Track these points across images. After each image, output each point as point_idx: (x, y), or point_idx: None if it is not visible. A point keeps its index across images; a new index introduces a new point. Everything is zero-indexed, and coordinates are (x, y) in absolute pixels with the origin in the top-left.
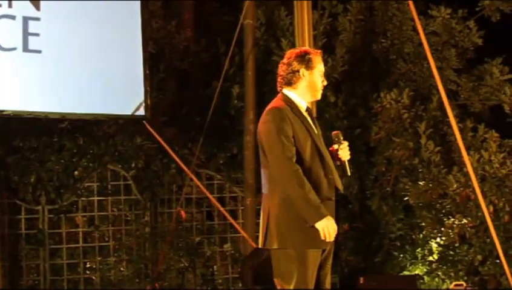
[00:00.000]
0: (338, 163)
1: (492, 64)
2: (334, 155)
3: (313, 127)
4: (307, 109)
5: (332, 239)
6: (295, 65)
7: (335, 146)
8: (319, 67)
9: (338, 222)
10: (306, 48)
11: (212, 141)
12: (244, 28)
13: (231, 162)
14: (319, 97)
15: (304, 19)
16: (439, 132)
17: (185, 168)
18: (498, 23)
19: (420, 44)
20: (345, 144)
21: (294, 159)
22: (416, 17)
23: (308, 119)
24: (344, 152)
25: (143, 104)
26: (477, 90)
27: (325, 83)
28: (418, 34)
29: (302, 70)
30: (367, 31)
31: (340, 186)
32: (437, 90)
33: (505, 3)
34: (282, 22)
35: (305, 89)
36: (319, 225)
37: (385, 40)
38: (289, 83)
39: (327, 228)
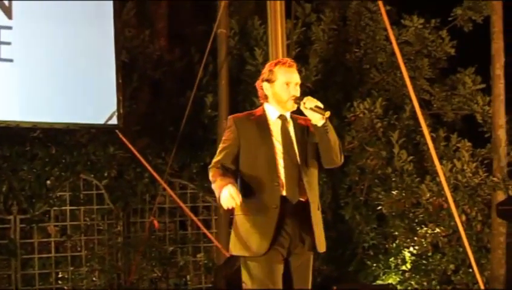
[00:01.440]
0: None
1: (465, 74)
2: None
3: (282, 134)
4: (281, 117)
5: (232, 203)
6: (260, 81)
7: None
8: (283, 79)
9: (310, 228)
10: (277, 59)
11: (186, 150)
12: (217, 37)
13: (204, 172)
14: (289, 107)
15: (277, 28)
16: (412, 141)
17: (158, 178)
18: (471, 33)
19: (393, 53)
20: (307, 102)
21: (219, 165)
22: (389, 27)
23: (275, 128)
24: (312, 115)
25: (116, 114)
26: (450, 99)
27: (295, 92)
28: (391, 43)
29: (265, 85)
30: (340, 41)
31: (293, 196)
32: (410, 100)
33: (477, 13)
34: (256, 31)
35: (273, 101)
36: (221, 201)
37: (358, 50)
38: (263, 98)
39: (226, 199)
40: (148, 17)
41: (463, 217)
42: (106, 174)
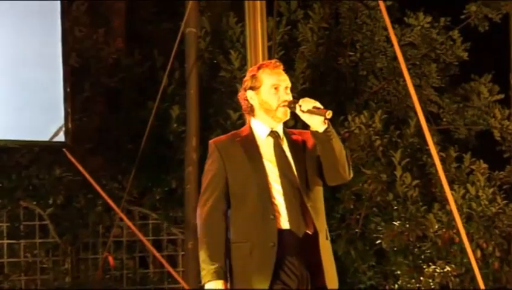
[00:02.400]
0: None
1: (480, 82)
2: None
3: (276, 154)
4: (272, 134)
5: None
6: (242, 91)
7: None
8: (269, 82)
9: (319, 264)
10: (260, 62)
11: (147, 172)
12: (185, 37)
13: (169, 198)
14: (281, 116)
15: (257, 27)
16: (417, 162)
17: (114, 206)
18: (487, 34)
19: (395, 58)
20: (301, 104)
21: (209, 204)
22: (390, 26)
23: (266, 148)
24: (311, 120)
25: (64, 129)
26: (462, 112)
27: (286, 97)
28: (392, 45)
29: (249, 94)
30: (332, 42)
31: (298, 228)
32: (415, 113)
33: (494, 10)
34: (231, 30)
35: (261, 113)
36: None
37: (353, 53)
38: (249, 113)
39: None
40: (102, 14)
41: (478, 253)
42: (51, 202)
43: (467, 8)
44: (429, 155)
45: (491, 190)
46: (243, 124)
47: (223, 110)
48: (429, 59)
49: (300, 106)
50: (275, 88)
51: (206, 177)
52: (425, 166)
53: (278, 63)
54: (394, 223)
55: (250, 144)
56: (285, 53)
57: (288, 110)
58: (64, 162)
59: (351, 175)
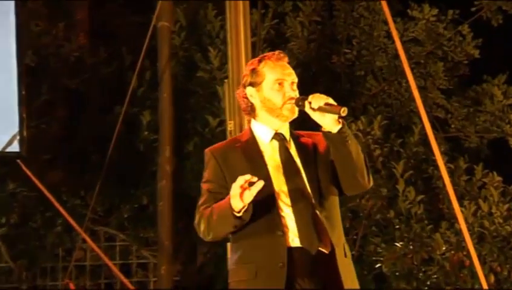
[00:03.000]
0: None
1: (493, 83)
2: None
3: (282, 160)
4: (277, 136)
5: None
6: (241, 88)
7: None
8: (273, 76)
9: (339, 285)
10: (261, 55)
11: (114, 187)
12: (157, 32)
13: (140, 217)
14: (287, 115)
15: (239, 20)
16: (422, 174)
17: (76, 225)
18: (501, 29)
19: (397, 56)
20: (310, 100)
21: (206, 205)
22: (391, 20)
23: (271, 153)
24: (323, 119)
25: (18, 137)
26: (473, 118)
27: (293, 93)
28: (393, 42)
29: (250, 91)
30: (325, 38)
31: (311, 245)
32: (420, 119)
33: (510, 1)
34: (210, 24)
35: (264, 113)
36: (234, 206)
37: (349, 51)
38: (249, 113)
39: (236, 197)
40: (63, 6)
41: (492, 278)
42: (3, 221)
43: (478, 0)
44: (436, 167)
45: (506, 206)
46: (223, 132)
47: (201, 116)
48: (435, 57)
49: (310, 102)
50: (279, 83)
51: (203, 190)
52: (431, 179)
53: (282, 55)
54: (396, 244)
55: (252, 150)
56: (271, 50)
57: (296, 108)
58: (19, 175)
59: (372, 182)
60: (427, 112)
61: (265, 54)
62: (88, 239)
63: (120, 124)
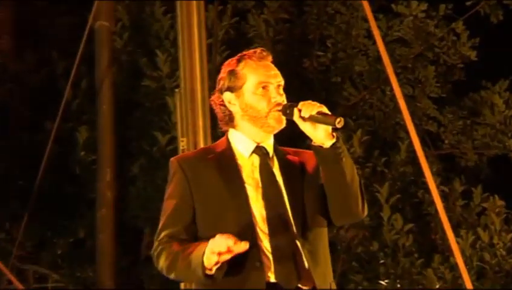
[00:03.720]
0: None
1: (494, 90)
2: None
3: (263, 179)
4: (258, 150)
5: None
6: (217, 93)
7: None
8: (255, 78)
9: None
10: (240, 53)
11: (45, 218)
12: (95, 34)
13: (76, 253)
14: (274, 125)
15: (192, 18)
16: (411, 199)
17: (0, 264)
18: (501, 27)
19: (379, 59)
20: (299, 108)
21: (167, 235)
22: (371, 17)
23: (250, 170)
24: (314, 131)
25: None
26: (471, 132)
27: (279, 98)
28: (375, 42)
29: (227, 96)
30: (295, 39)
31: (287, 281)
32: (407, 133)
33: None
34: (158, 23)
35: (245, 123)
36: (207, 263)
37: (323, 53)
38: (227, 123)
39: (211, 249)
40: None
41: None
42: None
43: None
44: (427, 190)
45: (510, 235)
46: (175, 151)
47: (148, 133)
48: (425, 60)
49: (300, 110)
50: (263, 87)
51: (166, 208)
52: (422, 205)
53: (265, 53)
54: (381, 282)
55: (227, 163)
56: (231, 53)
57: (284, 117)
58: None
59: (366, 211)
60: (416, 125)
61: (244, 53)
62: (14, 280)
63: (52, 142)
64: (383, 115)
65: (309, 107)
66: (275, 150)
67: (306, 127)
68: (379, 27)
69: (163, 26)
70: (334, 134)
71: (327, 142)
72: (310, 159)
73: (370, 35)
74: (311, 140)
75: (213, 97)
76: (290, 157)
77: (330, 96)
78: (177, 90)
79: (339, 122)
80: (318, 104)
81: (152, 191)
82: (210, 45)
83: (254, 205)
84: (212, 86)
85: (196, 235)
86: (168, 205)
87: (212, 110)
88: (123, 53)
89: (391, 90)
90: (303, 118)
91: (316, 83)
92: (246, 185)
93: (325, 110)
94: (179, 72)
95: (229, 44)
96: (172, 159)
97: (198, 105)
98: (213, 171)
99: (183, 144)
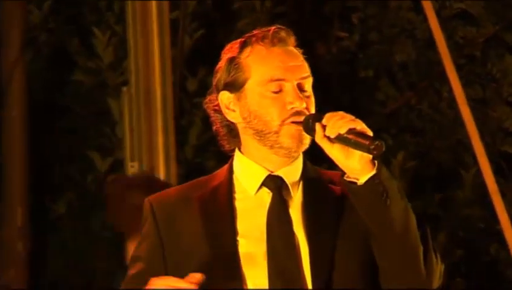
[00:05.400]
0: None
1: None
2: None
3: (268, 225)
4: (270, 182)
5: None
6: (213, 93)
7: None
8: (262, 72)
9: None
10: (247, 34)
11: None
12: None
13: None
14: (290, 146)
15: None
16: (480, 257)
17: None
18: None
19: (433, 43)
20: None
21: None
22: None
23: (254, 209)
24: (345, 158)
25: None
26: None
27: (300, 103)
28: (426, 19)
29: (226, 98)
30: (303, 12)
31: None
32: (474, 157)
33: None
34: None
35: (249, 139)
36: None
37: (346, 34)
38: (228, 140)
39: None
40: None
41: None
42: None
43: None
44: (503, 243)
45: None
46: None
47: (79, 153)
48: (502, 47)
49: (324, 126)
50: (278, 84)
51: (131, 263)
52: (496, 265)
53: (283, 34)
54: None
55: (216, 207)
56: (207, 32)
57: (306, 135)
58: None
59: (436, 281)
60: (487, 145)
61: (254, 33)
62: None
63: None
64: (437, 128)
65: (337, 123)
66: (304, 177)
67: (334, 152)
68: None
69: None
70: (375, 162)
71: (363, 176)
72: None
73: (418, 8)
74: (342, 171)
75: (206, 100)
76: (330, 187)
77: (357, 99)
78: (124, 88)
79: (375, 148)
80: (351, 118)
81: (85, 242)
82: (177, 21)
83: (250, 267)
84: (177, 82)
85: None
86: (134, 263)
87: (192, 122)
88: (43, 31)
89: (450, 91)
90: (328, 138)
91: (335, 77)
92: (239, 239)
93: (360, 125)
94: (127, 61)
95: (203, 19)
96: (145, 199)
97: (157, 111)
98: (194, 218)
99: (132, 170)
